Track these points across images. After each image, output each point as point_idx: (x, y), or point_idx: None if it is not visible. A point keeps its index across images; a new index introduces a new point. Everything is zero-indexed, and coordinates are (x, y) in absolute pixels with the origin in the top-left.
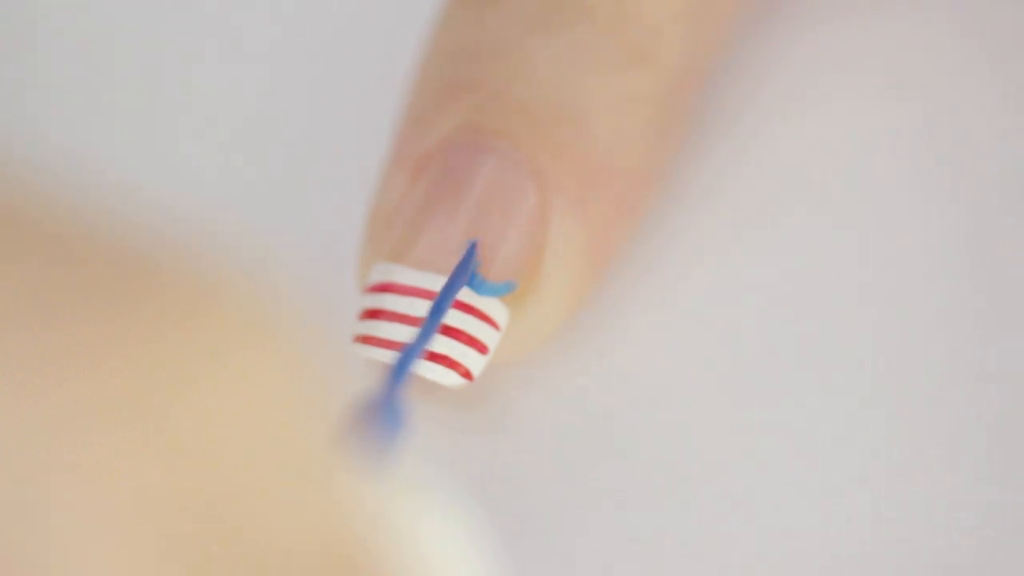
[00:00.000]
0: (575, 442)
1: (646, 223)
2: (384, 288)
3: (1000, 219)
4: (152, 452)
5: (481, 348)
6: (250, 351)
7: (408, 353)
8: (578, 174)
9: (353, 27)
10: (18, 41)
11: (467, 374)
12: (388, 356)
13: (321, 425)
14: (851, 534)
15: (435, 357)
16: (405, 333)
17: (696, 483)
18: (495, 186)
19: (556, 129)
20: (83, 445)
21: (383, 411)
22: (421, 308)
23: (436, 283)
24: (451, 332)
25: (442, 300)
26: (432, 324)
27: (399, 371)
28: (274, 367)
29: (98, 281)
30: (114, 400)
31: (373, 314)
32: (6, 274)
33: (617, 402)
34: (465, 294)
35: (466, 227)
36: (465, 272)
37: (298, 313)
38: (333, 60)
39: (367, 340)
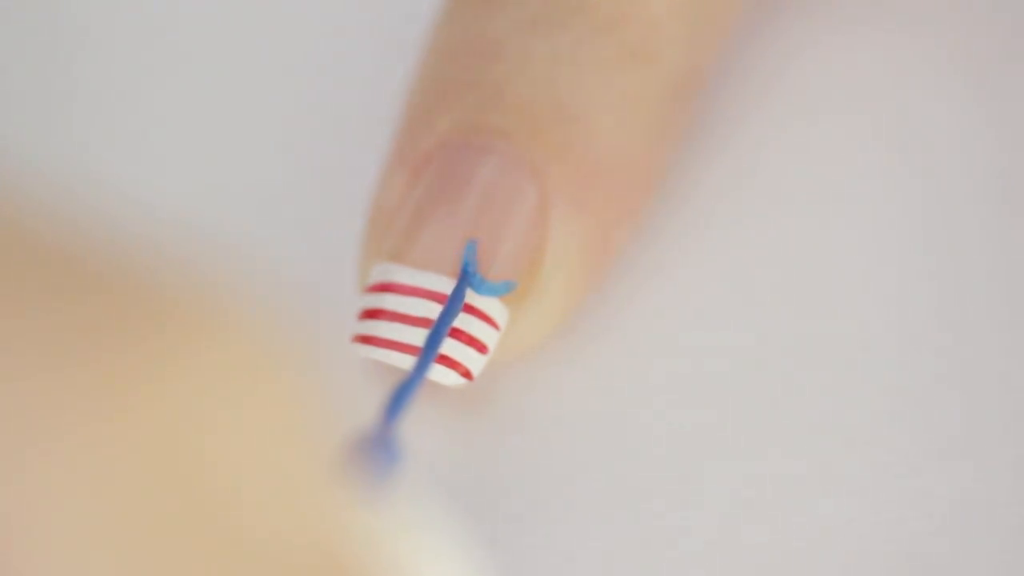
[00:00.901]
0: (579, 443)
1: (649, 224)
2: (384, 288)
3: (982, 219)
4: (152, 471)
5: (481, 348)
6: (254, 375)
7: (405, 387)
8: (578, 174)
9: (353, 27)
10: (19, 51)
11: (467, 374)
12: (387, 357)
13: (321, 448)
14: (854, 533)
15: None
16: (405, 333)
17: (700, 483)
18: (495, 186)
19: (556, 128)
20: (87, 459)
21: (379, 445)
22: (421, 308)
23: (436, 283)
24: (451, 332)
25: (438, 329)
26: (428, 356)
27: (396, 405)
28: (276, 389)
29: (102, 309)
30: (120, 430)
31: (373, 314)
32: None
33: (620, 403)
34: (466, 293)
35: (466, 227)
36: (461, 296)
37: (300, 334)
38: (334, 59)
39: (367, 340)
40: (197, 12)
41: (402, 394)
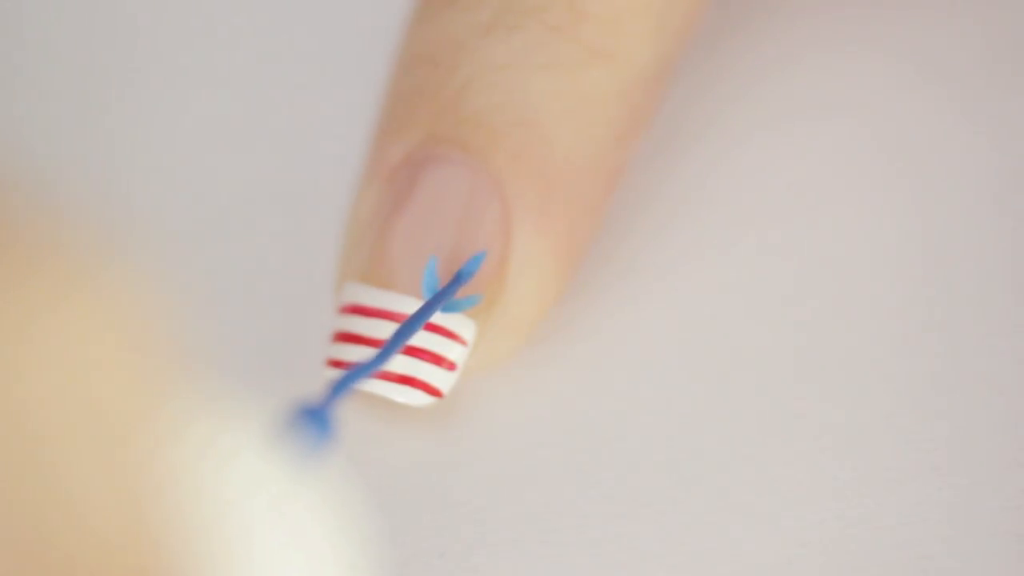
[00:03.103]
0: (559, 452)
1: (634, 230)
2: (353, 310)
3: (958, 221)
4: None
5: (449, 366)
6: (81, 308)
7: (357, 371)
8: (537, 180)
9: (350, 25)
10: None
11: (436, 392)
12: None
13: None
14: (850, 539)
15: (402, 379)
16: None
17: (689, 489)
18: (456, 199)
19: (511, 136)
20: None
21: (313, 418)
22: (389, 331)
23: (401, 304)
24: (417, 352)
25: (403, 331)
26: (389, 350)
27: (342, 385)
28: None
29: None
30: None
31: (343, 337)
32: None
33: (602, 410)
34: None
35: (428, 243)
36: (423, 317)
37: (129, 269)
38: (322, 65)
39: (337, 364)
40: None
41: (349, 379)
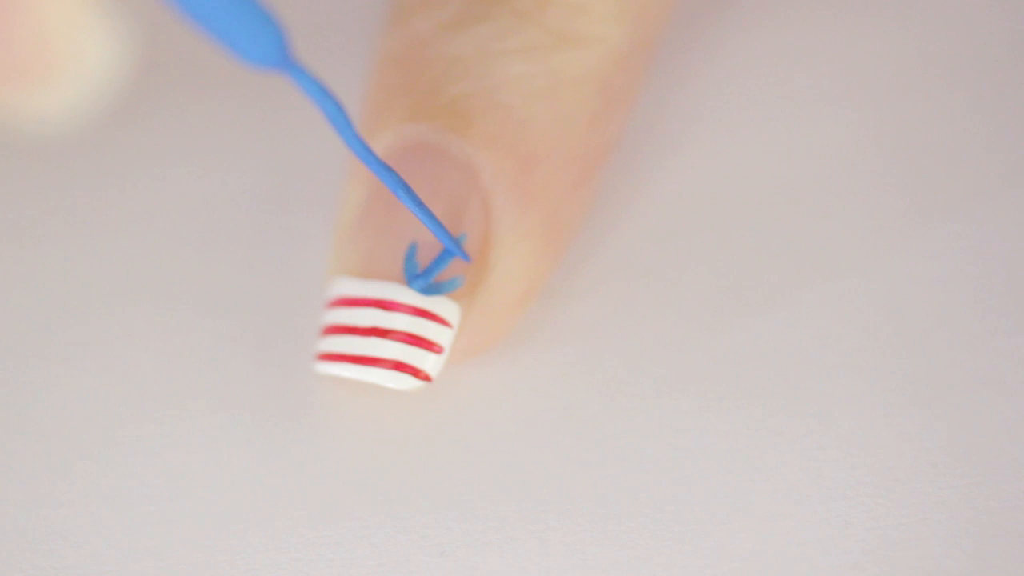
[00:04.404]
0: (561, 449)
1: (626, 231)
2: (337, 302)
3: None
4: None
5: (436, 349)
6: None
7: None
8: (514, 160)
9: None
10: None
11: (424, 376)
12: (339, 370)
13: None
14: (848, 539)
15: (390, 364)
16: (354, 344)
17: (684, 486)
18: (434, 185)
19: (485, 120)
20: None
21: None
22: (369, 318)
23: (383, 291)
24: (403, 337)
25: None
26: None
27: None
28: None
29: None
30: None
31: (327, 330)
32: None
33: (602, 409)
34: (413, 297)
35: (412, 231)
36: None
37: None
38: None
39: (325, 357)
40: None
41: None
